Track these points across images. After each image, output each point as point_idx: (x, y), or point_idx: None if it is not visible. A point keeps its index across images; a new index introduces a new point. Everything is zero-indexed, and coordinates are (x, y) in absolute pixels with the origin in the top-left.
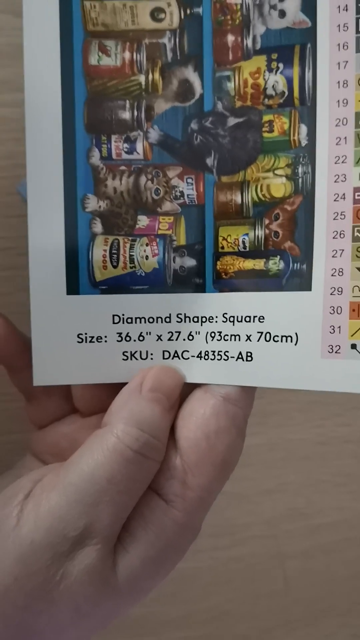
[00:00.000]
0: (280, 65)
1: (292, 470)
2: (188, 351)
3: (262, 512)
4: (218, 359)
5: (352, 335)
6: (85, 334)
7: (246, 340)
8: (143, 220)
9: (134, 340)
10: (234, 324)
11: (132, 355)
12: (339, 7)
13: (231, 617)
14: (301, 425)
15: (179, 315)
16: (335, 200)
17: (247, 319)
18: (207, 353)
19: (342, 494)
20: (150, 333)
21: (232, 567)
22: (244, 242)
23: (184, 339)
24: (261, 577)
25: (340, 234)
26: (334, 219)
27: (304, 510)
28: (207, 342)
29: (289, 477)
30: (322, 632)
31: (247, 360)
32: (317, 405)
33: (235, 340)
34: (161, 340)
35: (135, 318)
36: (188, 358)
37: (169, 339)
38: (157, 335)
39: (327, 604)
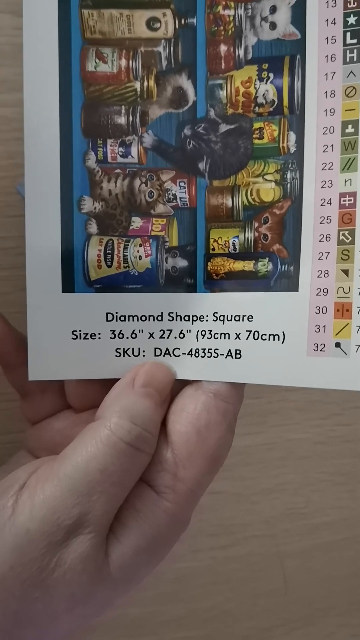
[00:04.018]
0: (271, 75)
1: (291, 470)
2: (179, 349)
3: (261, 511)
4: (208, 357)
5: (336, 334)
6: (80, 330)
7: (235, 339)
8: (137, 222)
9: (127, 338)
10: (223, 323)
11: (125, 352)
12: (327, 20)
13: (230, 616)
14: (300, 424)
15: (171, 314)
16: (322, 205)
17: (237, 318)
18: (197, 351)
19: (341, 493)
20: (142, 331)
21: (231, 566)
22: (234, 244)
23: (176, 337)
24: (260, 576)
25: (326, 237)
26: (321, 223)
27: (303, 509)
28: (197, 340)
29: (288, 477)
30: (321, 631)
31: (236, 357)
32: (316, 404)
33: (224, 338)
34: (153, 337)
35: (128, 316)
36: (179, 355)
37: (161, 337)
38: (150, 333)
39: (327, 603)
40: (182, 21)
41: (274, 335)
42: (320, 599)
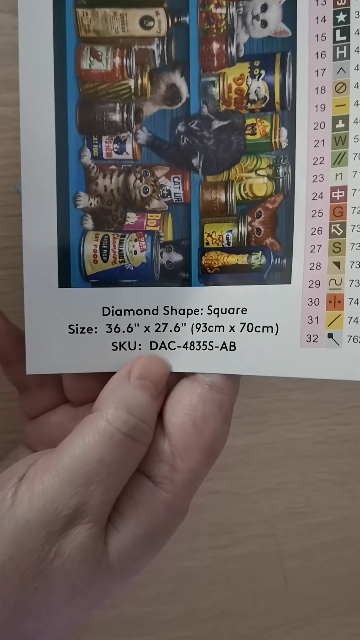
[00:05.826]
0: (262, 72)
1: (291, 469)
2: (174, 342)
3: (261, 511)
4: (203, 349)
5: (328, 325)
6: (77, 325)
7: (230, 331)
8: (132, 217)
9: (123, 332)
10: (218, 316)
11: (121, 345)
12: (317, 18)
13: (230, 616)
14: (300, 424)
15: (166, 308)
16: (313, 199)
17: (231, 310)
18: (192, 343)
19: (341, 493)
20: (138, 324)
21: (231, 566)
22: (227, 239)
23: (171, 330)
24: (260, 576)
25: (318, 231)
26: (312, 216)
27: (303, 509)
28: (192, 333)
29: (288, 476)
30: (321, 631)
31: (230, 349)
32: (316, 404)
33: (219, 331)
34: (149, 331)
35: (124, 310)
36: (174, 348)
37: (156, 330)
38: (145, 327)
39: (327, 603)
40: (175, 19)
41: (267, 327)
42: (320, 599)
